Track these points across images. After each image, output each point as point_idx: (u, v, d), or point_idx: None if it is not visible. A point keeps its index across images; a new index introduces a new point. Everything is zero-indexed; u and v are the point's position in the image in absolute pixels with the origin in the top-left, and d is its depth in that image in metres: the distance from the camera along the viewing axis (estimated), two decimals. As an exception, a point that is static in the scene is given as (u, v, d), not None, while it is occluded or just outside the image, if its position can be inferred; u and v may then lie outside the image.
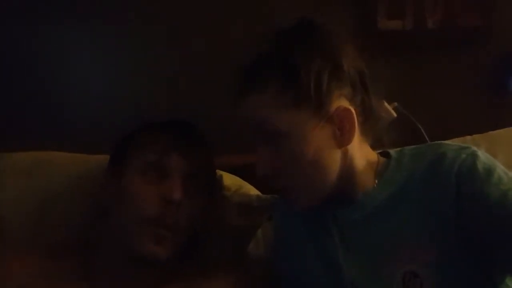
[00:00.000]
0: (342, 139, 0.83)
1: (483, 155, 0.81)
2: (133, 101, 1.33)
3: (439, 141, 0.90)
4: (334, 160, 0.83)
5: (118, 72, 1.35)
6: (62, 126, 1.31)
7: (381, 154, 0.91)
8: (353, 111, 0.83)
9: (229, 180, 1.15)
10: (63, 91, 1.33)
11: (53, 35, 1.33)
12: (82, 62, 1.35)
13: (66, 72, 1.34)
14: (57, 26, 1.33)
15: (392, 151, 0.91)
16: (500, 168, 0.79)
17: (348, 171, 0.85)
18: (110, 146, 1.02)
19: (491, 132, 1.25)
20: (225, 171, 1.15)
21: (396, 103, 1.30)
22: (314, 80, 0.80)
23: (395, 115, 1.26)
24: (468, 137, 1.24)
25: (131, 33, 1.33)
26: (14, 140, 1.12)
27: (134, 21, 1.34)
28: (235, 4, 1.34)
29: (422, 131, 1.34)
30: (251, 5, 1.34)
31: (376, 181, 0.87)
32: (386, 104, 1.24)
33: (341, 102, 0.83)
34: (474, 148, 0.83)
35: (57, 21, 1.32)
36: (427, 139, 1.32)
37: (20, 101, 1.32)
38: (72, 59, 1.34)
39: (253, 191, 1.16)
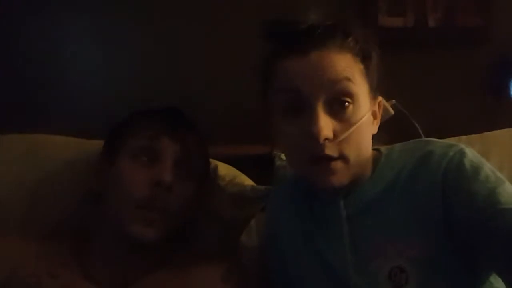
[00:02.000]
0: (373, 126, 0.88)
1: (470, 153, 0.81)
2: (127, 88, 1.33)
3: (427, 138, 0.90)
4: (370, 140, 0.87)
5: (115, 60, 1.35)
6: (58, 112, 1.31)
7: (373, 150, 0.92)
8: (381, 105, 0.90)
9: (224, 170, 1.15)
10: (60, 77, 1.34)
11: (51, 23, 1.34)
12: (79, 49, 1.35)
13: (63, 59, 1.34)
14: (56, 15, 1.34)
15: (383, 148, 0.91)
16: (487, 167, 0.79)
17: None
18: (105, 133, 1.03)
19: (486, 133, 1.25)
20: (220, 161, 1.16)
21: (394, 100, 1.29)
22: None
23: (392, 112, 1.26)
24: (464, 137, 1.24)
25: (129, 22, 1.34)
26: (10, 124, 1.13)
27: (132, 11, 1.34)
28: (235, 2, 1.35)
29: (419, 129, 1.33)
30: (249, 1, 1.35)
31: (371, 175, 0.87)
32: (384, 101, 1.24)
33: None
34: (462, 145, 0.83)
35: (56, 10, 1.33)
36: (423, 137, 1.32)
37: (17, 86, 1.32)
38: (69, 46, 1.34)
39: (248, 181, 1.16)
